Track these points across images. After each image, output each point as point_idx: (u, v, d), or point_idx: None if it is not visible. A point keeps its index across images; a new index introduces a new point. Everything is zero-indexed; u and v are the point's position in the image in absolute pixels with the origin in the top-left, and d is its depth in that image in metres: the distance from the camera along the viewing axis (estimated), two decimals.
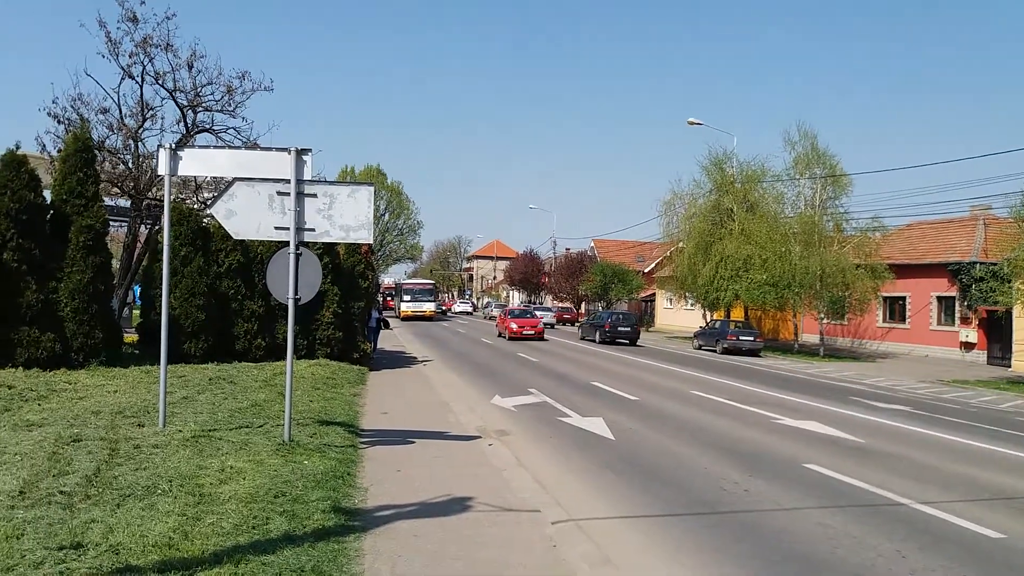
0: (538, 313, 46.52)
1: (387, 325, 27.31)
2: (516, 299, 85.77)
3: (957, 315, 33.86)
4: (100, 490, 6.78)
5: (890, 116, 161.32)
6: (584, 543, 6.67)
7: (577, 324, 52.13)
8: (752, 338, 33.26)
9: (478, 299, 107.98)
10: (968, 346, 33.14)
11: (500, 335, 40.61)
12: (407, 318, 58.59)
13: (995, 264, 26.73)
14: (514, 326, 38.44)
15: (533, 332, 38.32)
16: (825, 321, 35.98)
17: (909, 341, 36.21)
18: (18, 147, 15.74)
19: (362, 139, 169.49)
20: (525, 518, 7.19)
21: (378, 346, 25.54)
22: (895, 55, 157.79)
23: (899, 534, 7.38)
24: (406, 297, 60.75)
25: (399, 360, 23.50)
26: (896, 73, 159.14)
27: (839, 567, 6.42)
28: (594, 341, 38.00)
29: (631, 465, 10.25)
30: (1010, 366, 29.84)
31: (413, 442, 10.65)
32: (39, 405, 11.19)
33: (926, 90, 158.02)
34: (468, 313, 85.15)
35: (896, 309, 37.45)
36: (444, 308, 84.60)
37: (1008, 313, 28.93)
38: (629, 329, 38.19)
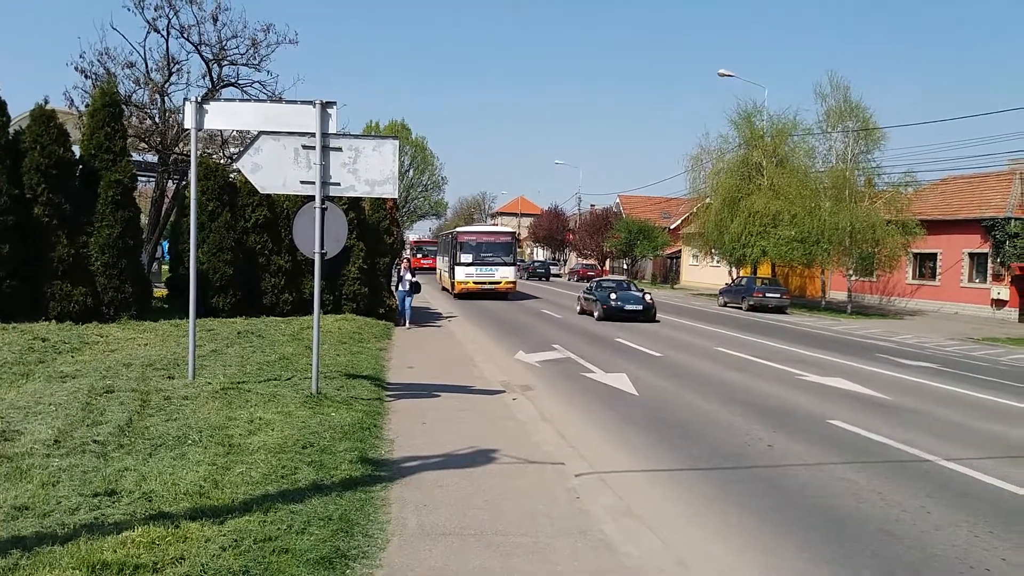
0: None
1: (418, 288, 21.21)
2: (539, 256, 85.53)
3: (989, 272, 33.31)
4: (132, 440, 6.94)
5: (927, 66, 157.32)
6: (607, 495, 6.73)
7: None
8: (778, 295, 33.00)
9: None
10: (999, 303, 32.65)
11: None
12: (465, 295, 33.48)
13: None
14: None
15: None
16: (853, 278, 35.60)
17: (939, 298, 35.74)
18: (46, 102, 15.82)
19: (387, 94, 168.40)
20: (549, 470, 7.26)
21: (410, 311, 20.50)
22: (931, 3, 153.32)
23: (924, 490, 7.36)
24: (464, 257, 33.88)
25: (424, 316, 23.63)
26: (932, 22, 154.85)
27: (863, 521, 6.43)
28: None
29: (654, 420, 10.29)
30: None
31: (438, 395, 10.76)
32: (72, 357, 11.42)
33: (964, 39, 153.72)
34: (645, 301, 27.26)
35: (926, 266, 36.92)
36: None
37: None
38: (545, 271, 62.04)
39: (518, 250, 36.65)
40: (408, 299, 20.38)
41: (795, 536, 6.09)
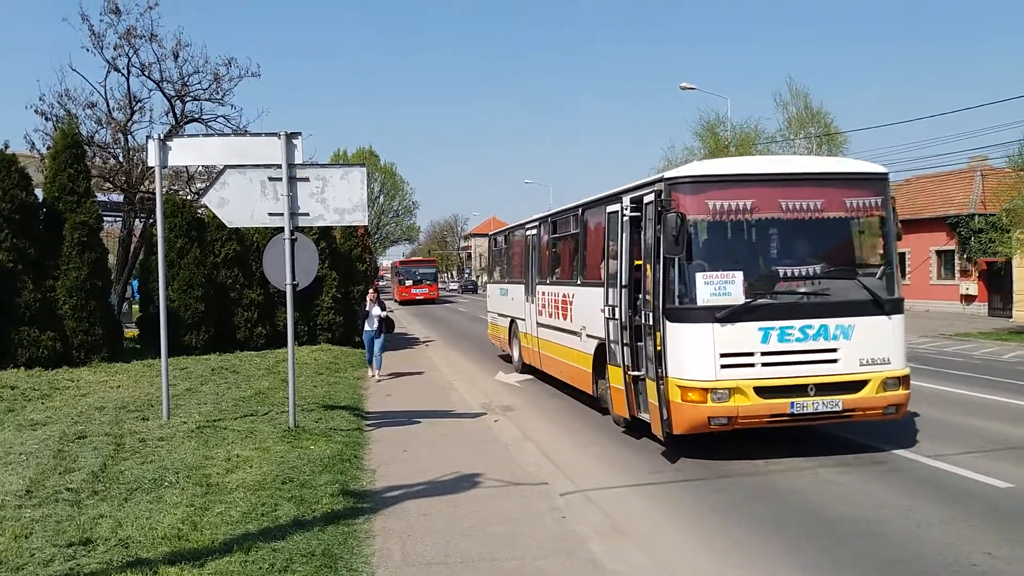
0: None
1: (390, 327, 15.79)
2: None
3: (957, 268, 33.83)
4: (107, 485, 6.79)
5: (887, 68, 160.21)
6: (594, 513, 6.68)
7: None
8: None
9: (477, 277, 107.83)
10: (969, 299, 33.14)
11: None
12: (742, 430, 8.27)
13: (993, 215, 26.71)
14: None
15: None
16: None
17: (910, 297, 36.02)
18: (7, 146, 15.69)
19: (353, 122, 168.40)
20: (534, 491, 7.18)
21: (381, 356, 15.63)
22: (887, 5, 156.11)
23: (910, 489, 7.38)
24: (708, 278, 7.98)
25: (401, 341, 23.48)
26: (891, 23, 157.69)
27: (849, 522, 6.42)
28: None
29: (637, 433, 10.23)
30: (1011, 316, 29.82)
31: (419, 422, 10.65)
32: (42, 404, 11.20)
33: (924, 39, 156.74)
34: None
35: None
36: None
37: (1008, 263, 28.94)
38: None
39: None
40: (378, 341, 15.36)
41: (784, 542, 6.06)
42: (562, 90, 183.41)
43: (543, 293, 13.82)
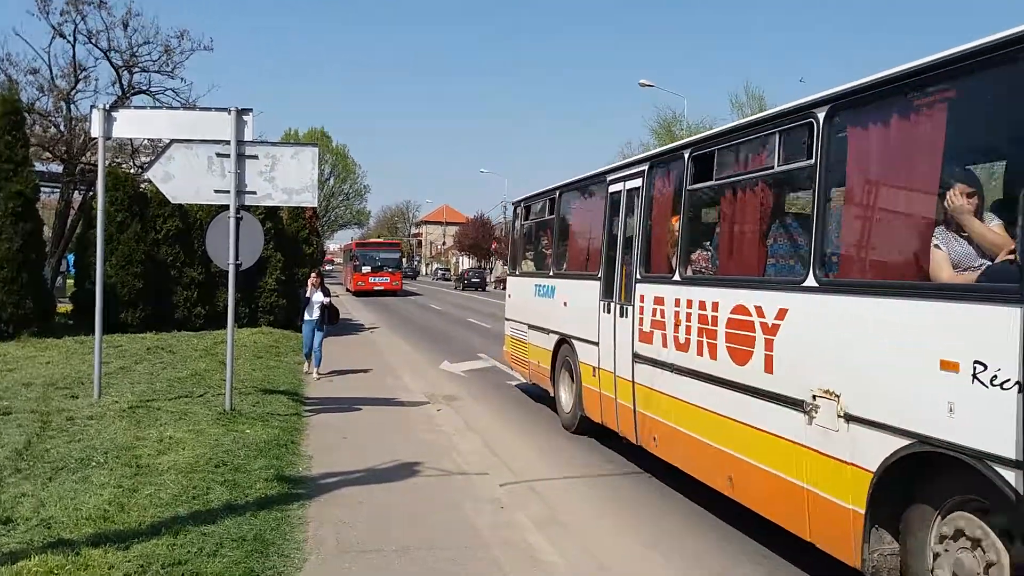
0: None
1: (334, 317, 14.21)
2: (465, 264, 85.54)
3: None
4: (31, 464, 6.56)
5: (843, 72, 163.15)
6: (533, 504, 6.68)
7: None
8: None
9: (427, 265, 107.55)
10: None
11: None
12: None
13: None
14: None
15: None
16: None
17: None
18: None
19: (306, 101, 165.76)
20: (474, 481, 7.16)
21: (321, 351, 13.64)
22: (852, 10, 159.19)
23: None
24: None
25: (345, 327, 23.22)
26: (854, 28, 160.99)
27: None
28: None
29: (582, 425, 10.25)
30: None
31: (360, 409, 10.54)
32: None
33: (891, 39, 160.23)
34: None
35: None
36: None
37: None
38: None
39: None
40: (319, 335, 13.46)
41: (716, 536, 6.12)
42: (520, 82, 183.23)
43: (658, 300, 7.19)
